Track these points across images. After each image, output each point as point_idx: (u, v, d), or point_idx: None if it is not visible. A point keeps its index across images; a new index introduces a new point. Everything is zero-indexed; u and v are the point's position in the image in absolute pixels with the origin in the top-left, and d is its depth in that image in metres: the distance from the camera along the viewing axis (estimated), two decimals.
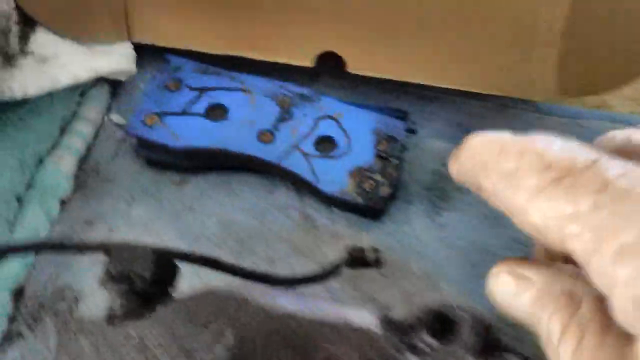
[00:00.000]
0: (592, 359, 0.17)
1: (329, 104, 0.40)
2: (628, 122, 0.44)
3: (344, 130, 0.39)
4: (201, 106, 0.39)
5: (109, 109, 0.42)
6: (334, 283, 0.35)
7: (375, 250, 0.33)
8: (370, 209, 0.37)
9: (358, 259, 0.32)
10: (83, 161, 0.40)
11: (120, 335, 0.24)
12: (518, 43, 0.38)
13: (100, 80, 0.41)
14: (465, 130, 0.43)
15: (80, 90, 0.40)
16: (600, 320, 0.18)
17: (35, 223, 0.35)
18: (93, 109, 0.40)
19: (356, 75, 0.41)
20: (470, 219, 0.39)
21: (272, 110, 0.39)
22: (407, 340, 0.24)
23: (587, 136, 0.24)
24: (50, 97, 0.37)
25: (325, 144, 0.39)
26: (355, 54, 0.40)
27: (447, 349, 0.24)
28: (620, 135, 0.22)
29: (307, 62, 0.40)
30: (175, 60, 0.40)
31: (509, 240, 0.37)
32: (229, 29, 0.41)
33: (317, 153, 0.38)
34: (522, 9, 0.37)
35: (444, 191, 0.40)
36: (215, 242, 0.37)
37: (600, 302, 0.18)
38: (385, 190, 0.36)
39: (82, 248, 0.26)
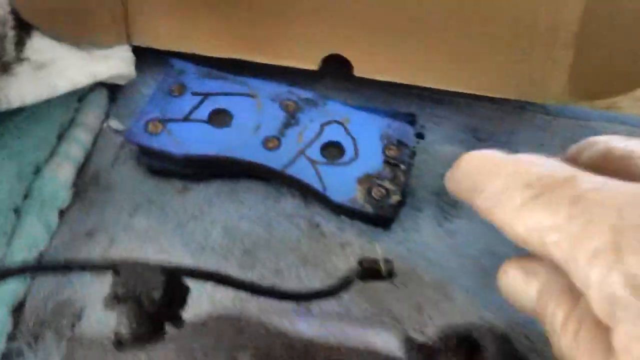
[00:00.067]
0: (586, 348, 0.19)
1: (335, 108, 0.39)
2: (638, 124, 0.43)
3: (351, 136, 0.38)
4: (204, 112, 0.38)
5: (107, 115, 0.41)
6: (344, 294, 0.34)
7: (388, 261, 0.32)
8: (380, 218, 0.36)
9: (370, 271, 0.31)
10: (82, 169, 0.39)
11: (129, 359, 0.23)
12: (530, 46, 0.37)
13: (98, 85, 0.39)
14: (473, 133, 0.42)
15: (78, 96, 0.38)
16: (594, 313, 0.19)
17: (33, 235, 0.34)
18: (91, 114, 0.39)
19: (361, 78, 0.40)
20: (481, 226, 0.38)
21: (278, 116, 0.38)
22: None
23: None
24: (48, 103, 0.36)
25: (332, 150, 0.37)
26: (362, 56, 0.39)
27: None
28: (601, 142, 0.24)
29: (313, 65, 0.39)
30: (178, 64, 0.39)
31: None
32: (232, 31, 0.39)
33: (324, 160, 0.37)
34: (534, 11, 0.36)
35: (453, 197, 0.39)
36: (220, 252, 0.36)
37: None
38: (395, 198, 0.35)
39: (88, 267, 0.25)
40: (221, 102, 0.38)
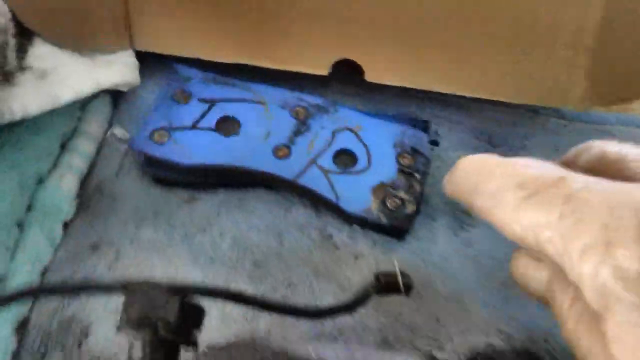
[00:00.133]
0: (586, 330, 0.20)
1: (347, 115, 0.37)
2: None
3: (363, 144, 0.36)
4: (212, 119, 0.36)
5: (110, 123, 0.39)
6: (359, 308, 0.33)
7: (405, 275, 0.31)
8: (396, 229, 0.35)
9: (388, 285, 0.30)
10: (85, 180, 0.37)
11: None
12: (548, 51, 0.36)
13: (101, 92, 0.38)
14: (487, 139, 0.41)
15: (81, 104, 0.37)
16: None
17: (37, 249, 0.33)
18: (94, 123, 0.38)
19: (371, 82, 0.39)
20: (497, 234, 0.37)
21: (288, 123, 0.37)
22: None
23: None
24: (50, 112, 0.35)
25: (344, 158, 0.36)
26: (373, 61, 0.38)
27: None
28: (596, 146, 0.25)
29: (323, 70, 0.38)
30: (183, 70, 0.38)
31: None
32: (239, 35, 0.38)
33: (337, 169, 0.36)
34: (553, 16, 0.35)
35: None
36: (230, 264, 0.35)
37: None
38: (410, 209, 0.34)
39: (100, 289, 0.24)
40: (229, 110, 0.37)
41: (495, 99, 0.39)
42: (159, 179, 0.37)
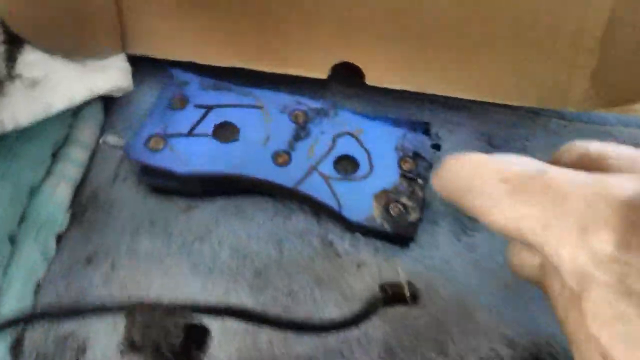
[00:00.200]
0: (571, 312, 0.21)
1: (347, 118, 0.37)
2: None
3: (364, 148, 0.36)
4: (209, 125, 0.35)
5: (103, 129, 0.38)
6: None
7: (411, 284, 0.30)
8: (400, 237, 0.34)
9: (394, 296, 0.29)
10: (79, 189, 0.36)
11: None
12: (549, 52, 0.35)
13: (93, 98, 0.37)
14: (488, 140, 0.41)
15: (72, 110, 0.36)
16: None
17: (31, 264, 0.32)
18: (87, 130, 0.36)
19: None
20: (501, 238, 0.36)
21: (287, 128, 0.36)
22: None
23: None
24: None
25: (346, 164, 0.36)
26: (374, 64, 0.37)
27: None
28: (579, 145, 0.26)
29: (322, 73, 0.37)
30: (179, 75, 0.37)
31: None
32: (236, 38, 0.37)
33: (338, 175, 0.35)
34: (555, 16, 0.34)
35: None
36: (229, 274, 0.34)
37: None
38: (414, 216, 0.34)
39: (100, 311, 0.23)
40: (226, 115, 0.36)
41: (496, 101, 0.38)
42: (155, 187, 0.36)
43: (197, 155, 0.34)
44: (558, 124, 0.42)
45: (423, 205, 0.34)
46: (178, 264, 0.34)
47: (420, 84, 0.37)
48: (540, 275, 0.24)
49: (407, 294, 0.29)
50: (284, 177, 0.34)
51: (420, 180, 0.35)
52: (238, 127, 0.36)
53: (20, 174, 0.33)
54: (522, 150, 0.40)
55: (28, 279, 0.32)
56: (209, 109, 0.36)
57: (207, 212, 0.36)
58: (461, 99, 0.39)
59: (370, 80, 0.37)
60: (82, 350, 0.31)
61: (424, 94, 0.40)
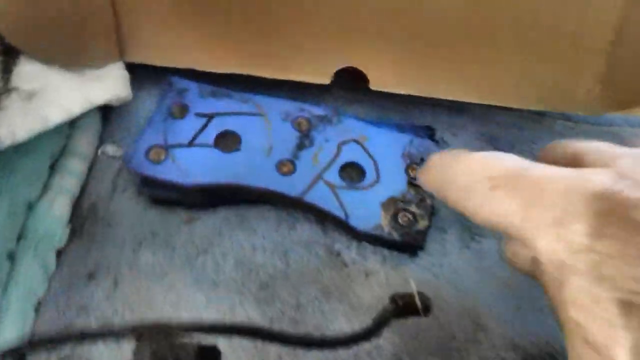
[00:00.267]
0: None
1: (352, 125, 0.36)
2: None
3: (370, 156, 0.35)
4: (210, 135, 0.35)
5: (101, 139, 0.37)
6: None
7: (423, 295, 0.29)
8: (409, 246, 0.33)
9: (406, 308, 0.29)
10: (78, 202, 0.35)
11: None
12: (558, 54, 0.35)
13: None
14: (493, 143, 0.40)
15: (70, 121, 0.35)
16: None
17: (30, 281, 0.31)
18: (85, 140, 0.35)
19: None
20: None
21: (291, 136, 0.35)
22: None
23: (619, 143, 0.26)
24: None
25: (351, 171, 0.35)
26: (378, 69, 0.36)
27: None
28: (561, 144, 0.28)
29: (325, 79, 0.36)
30: (179, 83, 0.36)
31: None
32: (236, 44, 0.36)
33: (343, 183, 0.34)
34: (563, 18, 0.33)
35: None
36: (234, 288, 0.33)
37: None
38: (422, 224, 0.33)
39: (108, 335, 0.22)
40: (228, 124, 0.35)
41: (502, 105, 0.38)
42: (156, 198, 0.35)
43: (199, 166, 0.33)
44: (564, 125, 0.41)
45: (432, 213, 0.34)
46: (182, 278, 0.33)
47: (424, 88, 0.37)
48: (531, 266, 0.24)
49: (419, 305, 0.29)
50: (289, 186, 0.33)
51: None
52: (240, 136, 0.35)
53: (17, 189, 0.32)
54: (529, 152, 0.40)
55: (28, 296, 0.31)
56: (209, 117, 0.35)
57: (209, 223, 0.35)
58: (465, 102, 0.39)
59: (375, 84, 0.36)
60: None
61: (427, 98, 0.39)
